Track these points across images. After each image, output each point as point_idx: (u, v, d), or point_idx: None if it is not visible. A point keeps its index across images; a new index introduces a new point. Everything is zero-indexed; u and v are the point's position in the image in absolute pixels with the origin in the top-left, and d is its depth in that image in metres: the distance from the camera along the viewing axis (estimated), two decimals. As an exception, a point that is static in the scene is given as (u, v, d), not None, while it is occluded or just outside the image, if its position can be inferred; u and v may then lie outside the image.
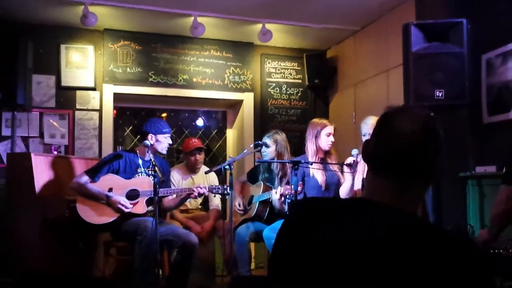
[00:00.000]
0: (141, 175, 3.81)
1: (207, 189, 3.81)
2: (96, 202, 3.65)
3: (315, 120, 4.01)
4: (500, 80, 3.85)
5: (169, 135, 3.90)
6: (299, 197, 3.60)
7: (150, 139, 3.78)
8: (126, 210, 3.62)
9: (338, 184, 3.85)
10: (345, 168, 3.56)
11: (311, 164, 3.75)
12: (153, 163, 3.47)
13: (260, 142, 4.07)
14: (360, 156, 3.47)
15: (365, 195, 1.18)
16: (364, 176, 3.55)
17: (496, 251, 2.55)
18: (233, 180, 3.61)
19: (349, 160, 3.49)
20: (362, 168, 3.69)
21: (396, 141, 1.12)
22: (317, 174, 3.82)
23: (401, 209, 1.09)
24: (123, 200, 3.63)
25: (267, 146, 4.05)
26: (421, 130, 1.12)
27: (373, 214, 1.08)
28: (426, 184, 1.15)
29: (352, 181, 3.58)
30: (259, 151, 4.12)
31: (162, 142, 3.83)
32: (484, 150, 4.01)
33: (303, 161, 3.56)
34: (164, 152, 3.91)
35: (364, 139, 3.72)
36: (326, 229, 1.08)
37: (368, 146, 1.19)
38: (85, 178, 3.67)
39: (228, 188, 3.61)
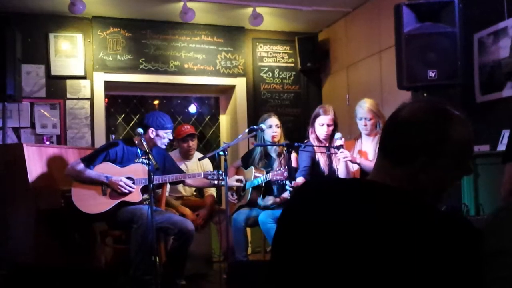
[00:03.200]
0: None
1: (202, 175, 3.84)
2: (92, 192, 3.64)
3: (318, 106, 3.98)
4: (492, 59, 3.85)
5: (171, 131, 3.87)
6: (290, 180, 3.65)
7: (151, 133, 3.76)
8: (128, 190, 3.62)
9: (335, 173, 3.86)
10: (334, 150, 3.59)
11: (304, 148, 3.75)
12: (146, 150, 3.45)
13: (255, 126, 4.03)
14: (343, 140, 3.55)
15: (369, 176, 1.22)
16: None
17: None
18: (227, 165, 3.59)
19: (337, 142, 3.52)
20: (359, 147, 3.73)
21: (387, 122, 1.21)
22: (321, 159, 3.84)
23: (395, 186, 1.12)
24: (123, 180, 3.63)
25: (262, 130, 4.01)
26: (417, 115, 1.15)
27: (368, 195, 1.10)
28: (424, 172, 1.13)
29: (343, 163, 3.59)
30: (254, 136, 4.09)
31: (163, 137, 3.81)
32: (477, 129, 4.00)
33: (296, 144, 3.55)
34: (163, 147, 3.90)
35: (359, 123, 3.68)
36: (324, 211, 1.11)
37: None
38: (81, 166, 3.65)
39: (223, 174, 3.60)
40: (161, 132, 3.79)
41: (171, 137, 3.91)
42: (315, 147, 3.82)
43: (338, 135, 3.56)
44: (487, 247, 0.96)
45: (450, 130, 1.13)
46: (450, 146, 1.12)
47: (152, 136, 3.77)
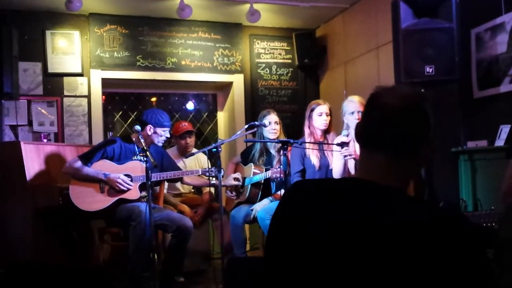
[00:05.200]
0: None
1: (200, 172, 3.84)
2: (90, 189, 3.64)
3: (311, 102, 3.98)
4: (489, 54, 3.85)
5: (169, 129, 3.88)
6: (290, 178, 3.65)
7: (149, 130, 3.76)
8: (126, 187, 3.62)
9: (328, 166, 3.83)
10: (336, 148, 3.54)
11: (300, 144, 3.74)
12: (144, 148, 3.45)
13: (256, 123, 4.02)
14: (351, 136, 3.47)
15: (357, 174, 1.20)
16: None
17: (489, 224, 2.57)
18: (221, 163, 3.57)
19: (338, 139, 3.46)
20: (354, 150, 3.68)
21: (378, 112, 1.16)
22: (312, 155, 3.82)
23: (389, 185, 1.10)
24: (122, 177, 3.63)
25: (265, 126, 4.00)
26: (401, 104, 1.14)
27: (363, 194, 1.09)
28: (414, 161, 1.15)
29: (342, 161, 3.54)
30: (253, 133, 4.08)
31: (160, 135, 3.81)
32: (475, 124, 4.02)
33: (291, 141, 3.53)
34: (160, 144, 3.90)
35: (351, 118, 3.52)
36: (318, 210, 1.10)
37: (359, 125, 1.22)
38: (79, 163, 3.65)
39: (217, 171, 3.60)
40: (159, 130, 3.79)
41: (168, 135, 3.91)
42: (311, 145, 3.80)
43: (344, 132, 3.49)
44: (501, 236, 0.96)
45: (431, 114, 1.15)
46: (431, 130, 1.15)
47: (149, 133, 3.77)
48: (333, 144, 3.68)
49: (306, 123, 3.85)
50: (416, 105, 1.15)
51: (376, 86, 1.21)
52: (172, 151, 4.67)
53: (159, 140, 3.84)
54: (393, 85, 1.21)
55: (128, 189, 3.66)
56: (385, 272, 0.96)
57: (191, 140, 4.63)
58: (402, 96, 1.15)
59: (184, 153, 4.62)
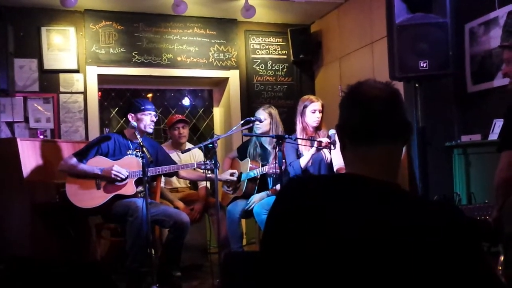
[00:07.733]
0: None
1: (195, 166, 3.85)
2: (86, 186, 3.65)
3: (303, 97, 4.02)
4: (483, 49, 3.88)
5: (151, 112, 3.83)
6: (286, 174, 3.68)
7: (131, 119, 3.76)
8: (122, 176, 3.63)
9: (321, 161, 3.87)
10: (332, 147, 3.61)
11: (295, 140, 3.78)
12: (141, 143, 3.46)
13: (252, 118, 4.04)
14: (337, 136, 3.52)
15: (348, 170, 1.20)
16: None
17: (483, 217, 2.59)
18: (217, 158, 3.58)
19: (326, 139, 3.56)
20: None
21: (371, 104, 1.16)
22: (305, 151, 3.86)
23: (385, 180, 1.11)
24: (116, 167, 3.64)
25: (260, 121, 4.03)
26: (387, 90, 1.18)
27: (361, 191, 1.09)
28: (403, 143, 1.19)
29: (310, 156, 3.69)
30: (249, 128, 4.10)
31: (144, 119, 3.78)
32: (469, 119, 4.05)
33: (286, 136, 3.57)
34: (150, 130, 3.84)
35: None
36: (315, 207, 1.10)
37: (344, 126, 1.21)
38: (73, 160, 3.66)
39: (212, 164, 3.60)
40: (140, 115, 3.77)
41: (154, 119, 3.85)
42: (304, 141, 3.84)
43: (332, 131, 3.60)
44: (507, 229, 0.97)
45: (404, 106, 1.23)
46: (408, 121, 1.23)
47: (134, 123, 3.75)
48: (330, 140, 3.73)
49: (299, 118, 3.90)
50: (397, 92, 1.19)
51: (347, 85, 1.22)
52: (167, 146, 4.68)
53: (147, 126, 3.79)
54: (363, 81, 1.21)
55: (124, 179, 3.66)
56: (385, 268, 0.97)
57: (184, 131, 4.64)
58: (383, 87, 1.18)
59: (178, 144, 4.63)
